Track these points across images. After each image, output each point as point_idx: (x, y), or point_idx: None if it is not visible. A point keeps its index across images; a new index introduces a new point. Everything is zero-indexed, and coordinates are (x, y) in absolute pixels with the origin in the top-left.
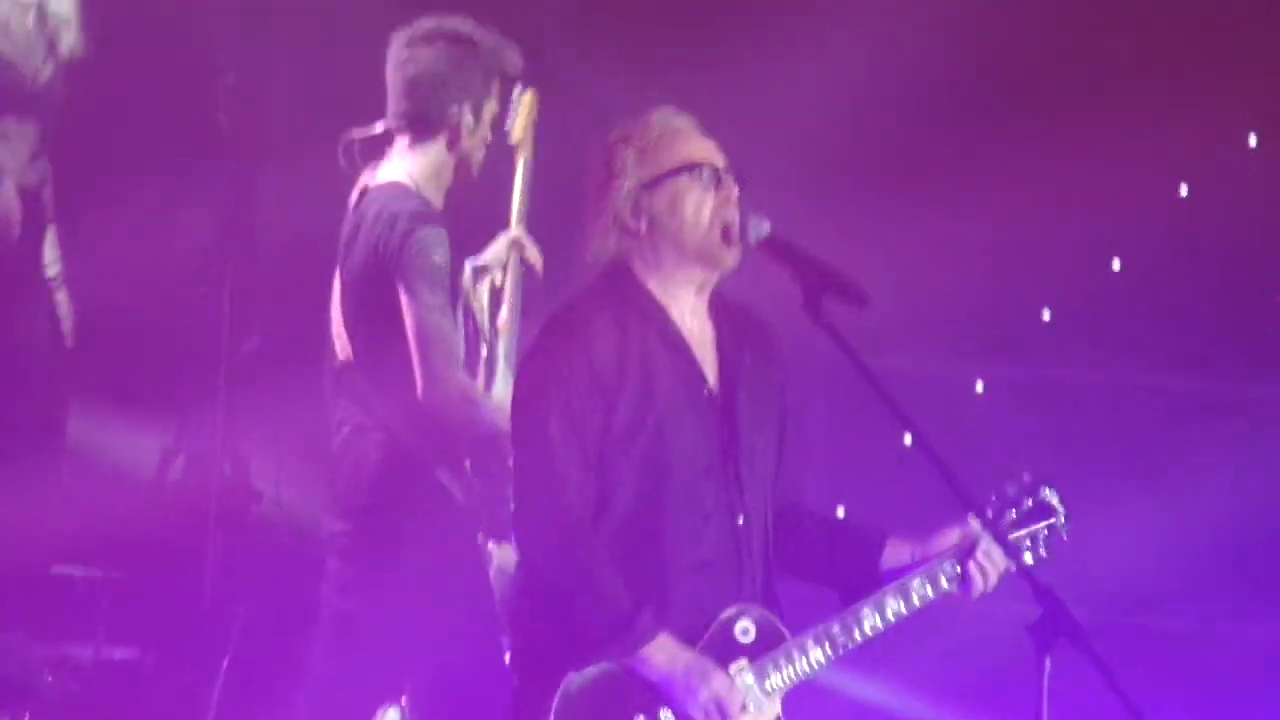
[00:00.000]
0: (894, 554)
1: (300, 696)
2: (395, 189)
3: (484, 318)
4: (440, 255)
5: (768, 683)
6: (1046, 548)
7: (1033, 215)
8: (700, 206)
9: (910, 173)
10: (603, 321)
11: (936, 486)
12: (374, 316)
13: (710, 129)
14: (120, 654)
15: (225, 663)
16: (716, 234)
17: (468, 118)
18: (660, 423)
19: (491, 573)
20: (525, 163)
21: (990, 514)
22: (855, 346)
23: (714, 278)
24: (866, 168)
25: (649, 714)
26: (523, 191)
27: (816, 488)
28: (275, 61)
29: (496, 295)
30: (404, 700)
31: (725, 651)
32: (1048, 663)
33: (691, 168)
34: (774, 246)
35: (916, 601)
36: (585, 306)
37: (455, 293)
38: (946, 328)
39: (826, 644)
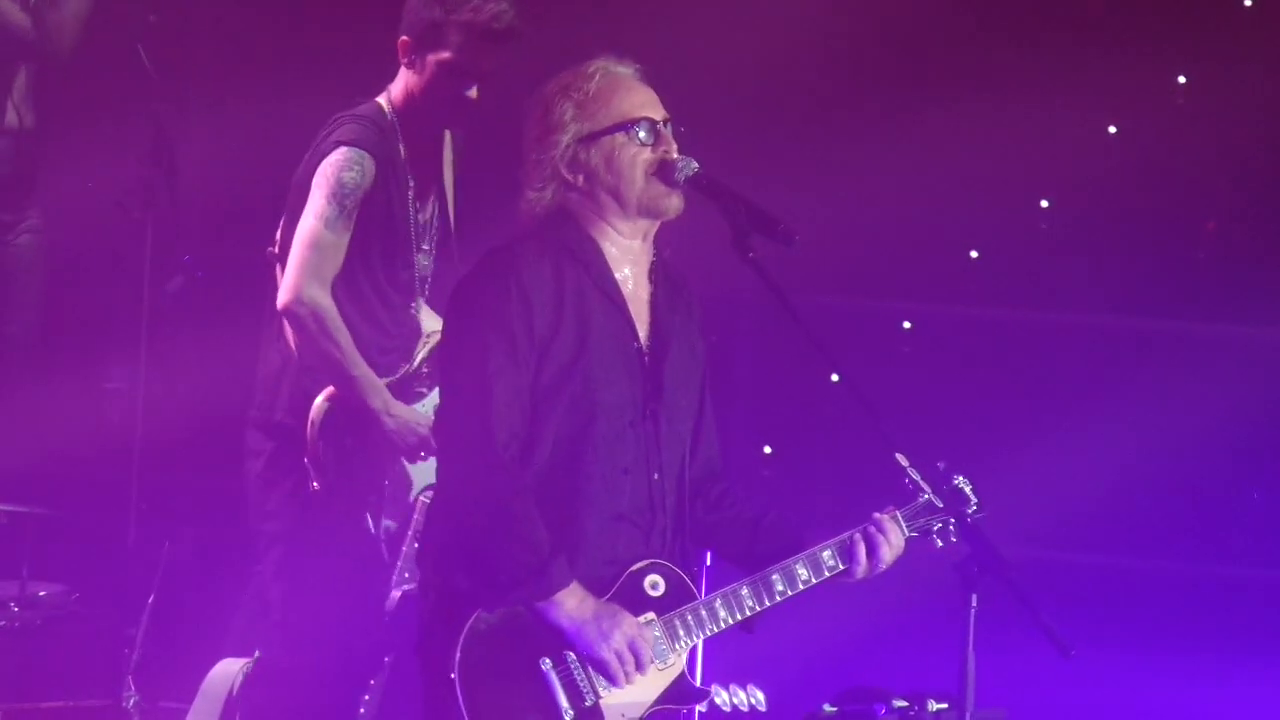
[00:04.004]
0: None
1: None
2: (365, 109)
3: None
4: (352, 176)
5: (676, 641)
6: (957, 535)
7: (961, 154)
8: (635, 162)
9: (839, 112)
10: (541, 267)
11: (862, 425)
12: (295, 216)
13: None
14: (45, 590)
15: (149, 600)
16: (654, 186)
17: (409, 54)
18: (588, 374)
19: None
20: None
21: (906, 497)
22: (782, 284)
23: (657, 225)
24: (796, 106)
25: (555, 657)
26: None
27: (743, 427)
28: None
29: None
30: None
31: (633, 603)
32: (974, 599)
33: (628, 125)
34: (701, 183)
35: (825, 573)
36: (524, 250)
37: (379, 226)
38: (875, 266)
39: (735, 606)
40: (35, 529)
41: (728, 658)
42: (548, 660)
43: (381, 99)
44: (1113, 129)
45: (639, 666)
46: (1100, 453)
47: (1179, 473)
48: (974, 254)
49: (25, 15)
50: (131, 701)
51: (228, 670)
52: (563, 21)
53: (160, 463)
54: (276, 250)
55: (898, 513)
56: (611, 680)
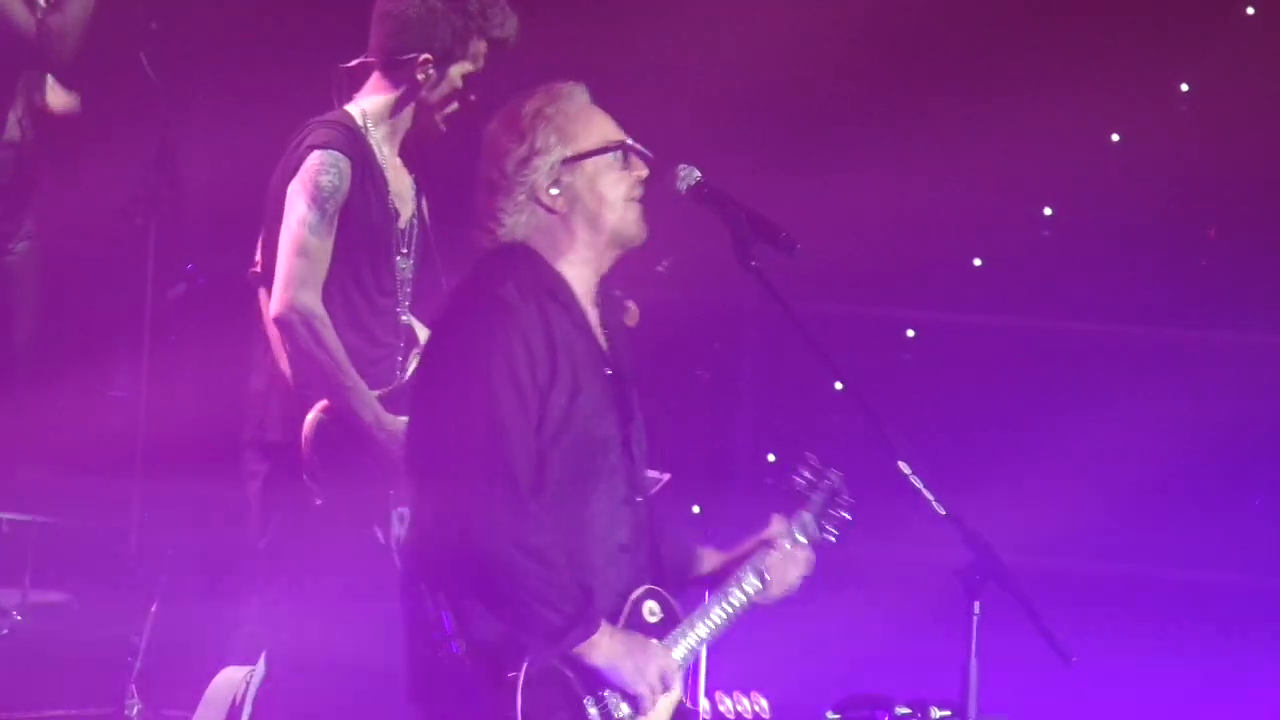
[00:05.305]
0: (708, 557)
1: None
2: (334, 115)
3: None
4: (329, 179)
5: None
6: (836, 529)
7: (965, 162)
8: (617, 186)
9: (841, 120)
10: (530, 313)
11: (866, 433)
12: (275, 228)
13: (638, 83)
14: (47, 599)
15: (152, 608)
16: (632, 212)
17: (429, 70)
18: (585, 412)
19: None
20: None
21: (796, 501)
22: (784, 292)
23: (617, 256)
24: (796, 113)
25: (595, 696)
26: None
27: (747, 435)
28: (201, 5)
29: None
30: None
31: (639, 632)
32: (976, 607)
33: (611, 148)
34: (703, 193)
35: (756, 589)
36: (509, 294)
37: (360, 230)
38: (878, 274)
39: (711, 625)
40: (38, 537)
41: (732, 666)
42: (589, 698)
43: (351, 108)
44: (1115, 137)
45: (666, 690)
46: (1102, 460)
47: (1180, 480)
48: (977, 262)
49: (31, 17)
50: (135, 710)
51: (231, 678)
52: (556, 26)
53: (163, 470)
54: (259, 270)
55: (791, 524)
56: (641, 711)
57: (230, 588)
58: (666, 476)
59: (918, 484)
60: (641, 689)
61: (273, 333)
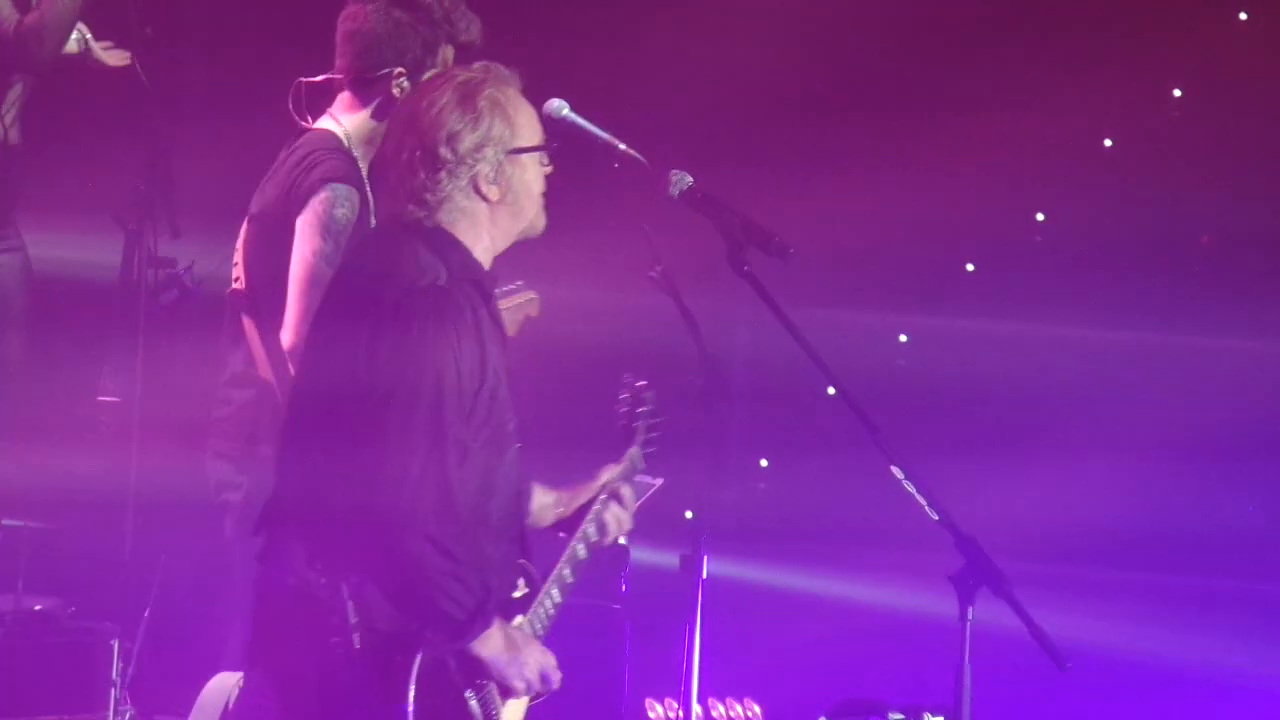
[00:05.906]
0: (540, 498)
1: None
2: (327, 137)
3: None
4: (343, 212)
5: (537, 629)
6: (653, 448)
7: (957, 168)
8: (539, 180)
9: (835, 125)
10: (463, 303)
11: (858, 438)
12: (273, 251)
13: (629, 86)
14: (40, 604)
15: (146, 613)
16: (541, 205)
17: (402, 82)
18: (500, 407)
19: None
20: None
21: (624, 436)
22: (777, 297)
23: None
24: (790, 118)
25: (475, 688)
26: None
27: (739, 440)
28: (193, 11)
29: None
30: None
31: (507, 611)
32: (970, 612)
33: (547, 146)
34: (696, 198)
35: (595, 540)
36: (444, 282)
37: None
38: (871, 279)
39: (563, 587)
40: (31, 542)
41: (724, 671)
42: (470, 690)
43: (333, 128)
44: (1108, 142)
45: (542, 683)
46: (1095, 466)
47: (1174, 486)
48: (970, 267)
49: (15, 15)
50: (128, 716)
51: (224, 684)
52: (550, 27)
53: (156, 475)
54: (244, 289)
55: (623, 467)
56: (513, 697)
57: (224, 593)
58: (659, 482)
59: (911, 488)
60: (519, 685)
61: (259, 350)
